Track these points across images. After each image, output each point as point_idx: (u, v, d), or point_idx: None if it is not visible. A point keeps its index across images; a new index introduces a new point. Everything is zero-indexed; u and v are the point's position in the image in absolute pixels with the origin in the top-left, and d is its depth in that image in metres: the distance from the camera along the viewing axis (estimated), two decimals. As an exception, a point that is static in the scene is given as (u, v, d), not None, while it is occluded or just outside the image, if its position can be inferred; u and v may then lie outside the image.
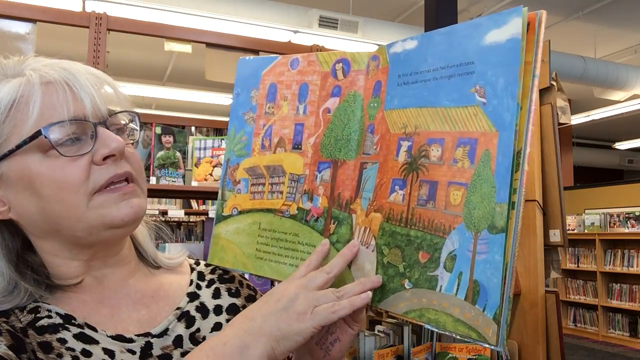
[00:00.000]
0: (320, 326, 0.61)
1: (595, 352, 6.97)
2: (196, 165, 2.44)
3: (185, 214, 5.64)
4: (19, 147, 0.64)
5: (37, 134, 0.63)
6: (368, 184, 0.69)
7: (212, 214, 2.77)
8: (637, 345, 7.10)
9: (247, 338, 0.61)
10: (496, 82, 0.57)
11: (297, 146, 0.76)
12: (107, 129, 0.67)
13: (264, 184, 0.78)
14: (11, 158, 0.65)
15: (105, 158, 0.66)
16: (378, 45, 5.67)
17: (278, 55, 0.80)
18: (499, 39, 0.57)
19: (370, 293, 0.64)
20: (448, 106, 0.61)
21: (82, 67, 0.69)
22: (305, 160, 0.75)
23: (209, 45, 2.62)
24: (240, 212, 0.79)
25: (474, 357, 2.78)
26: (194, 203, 5.77)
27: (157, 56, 6.69)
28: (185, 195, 4.52)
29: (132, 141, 0.73)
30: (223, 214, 0.81)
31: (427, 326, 0.60)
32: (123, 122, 0.72)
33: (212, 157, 2.44)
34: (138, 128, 0.74)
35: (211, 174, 2.42)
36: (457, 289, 0.58)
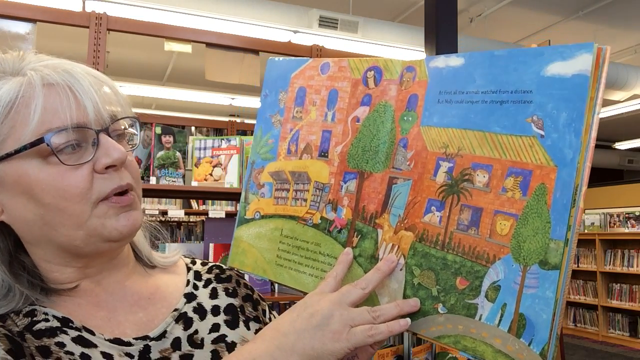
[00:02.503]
0: (355, 347, 0.59)
1: (595, 352, 6.97)
2: (196, 165, 2.44)
3: (185, 214, 5.64)
4: (17, 151, 0.62)
5: (39, 140, 0.61)
6: (398, 200, 0.67)
7: (212, 214, 2.77)
8: (637, 345, 7.10)
9: (278, 355, 0.59)
10: (557, 116, 0.56)
11: (323, 154, 0.75)
12: (109, 135, 0.66)
13: (288, 190, 0.77)
14: (8, 161, 0.63)
15: (107, 167, 0.65)
16: (378, 45, 5.59)
17: (309, 57, 0.79)
18: (564, 72, 0.56)
19: (409, 320, 0.62)
20: (499, 132, 0.60)
21: (84, 69, 0.68)
22: (332, 169, 0.73)
23: (209, 45, 2.62)
24: (263, 217, 0.79)
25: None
26: (194, 203, 5.76)
27: (157, 56, 6.68)
28: (185, 195, 4.52)
29: (131, 147, 0.72)
30: (245, 216, 0.80)
31: (462, 354, 0.59)
32: (123, 127, 0.71)
33: (212, 157, 2.44)
34: (138, 132, 0.73)
35: (211, 174, 2.42)
36: (500, 320, 0.57)
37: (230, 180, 2.40)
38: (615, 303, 7.39)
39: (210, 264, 0.85)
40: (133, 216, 0.67)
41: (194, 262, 0.85)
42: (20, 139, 0.62)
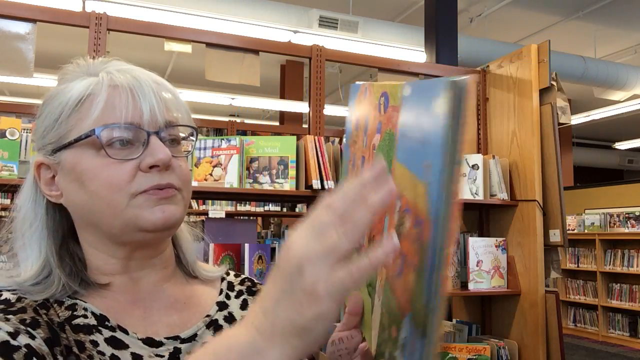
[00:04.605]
0: (342, 302, 0.45)
1: (595, 352, 6.97)
2: (196, 165, 2.44)
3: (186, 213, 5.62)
4: (76, 140, 0.69)
5: (92, 132, 0.68)
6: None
7: (212, 214, 2.77)
8: (637, 345, 7.10)
9: (258, 340, 0.46)
10: (434, 162, 0.47)
11: None
12: (161, 139, 0.70)
13: None
14: (70, 149, 0.70)
15: (151, 167, 0.69)
16: (378, 45, 5.56)
17: (366, 82, 0.82)
18: (437, 112, 0.47)
19: (397, 242, 0.50)
20: (414, 174, 0.52)
21: (151, 77, 0.73)
22: None
23: (209, 45, 2.62)
24: None
25: (474, 357, 2.77)
26: (194, 203, 5.76)
27: (157, 56, 6.69)
28: (185, 195, 4.51)
29: (185, 153, 0.76)
30: None
31: None
32: (182, 135, 0.76)
33: (212, 157, 2.44)
34: (194, 141, 0.78)
35: (211, 174, 2.42)
36: None
37: (230, 180, 2.40)
38: (615, 303, 7.39)
39: (242, 276, 0.89)
40: (169, 209, 0.70)
41: (227, 273, 0.89)
42: (80, 131, 0.70)
